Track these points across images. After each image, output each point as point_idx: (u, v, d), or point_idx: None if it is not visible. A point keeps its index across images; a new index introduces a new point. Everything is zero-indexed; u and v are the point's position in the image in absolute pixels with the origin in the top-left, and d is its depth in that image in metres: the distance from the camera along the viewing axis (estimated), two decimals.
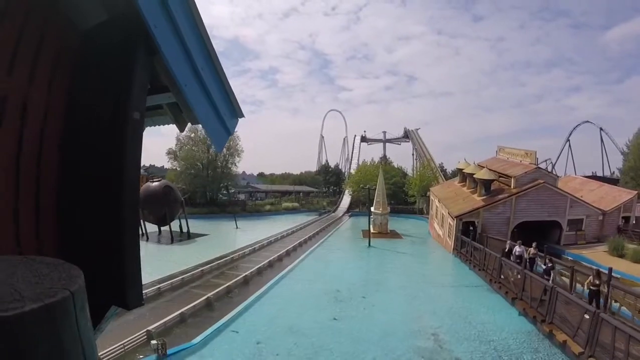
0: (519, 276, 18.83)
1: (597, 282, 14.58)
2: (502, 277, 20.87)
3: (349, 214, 69.63)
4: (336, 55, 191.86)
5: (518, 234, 31.46)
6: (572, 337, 13.34)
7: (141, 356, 12.98)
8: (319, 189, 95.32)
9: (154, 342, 12.92)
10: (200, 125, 3.39)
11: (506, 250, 22.52)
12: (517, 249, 21.39)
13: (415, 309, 18.58)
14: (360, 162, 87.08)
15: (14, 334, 0.93)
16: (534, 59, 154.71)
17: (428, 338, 15.08)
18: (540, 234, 31.89)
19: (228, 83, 3.28)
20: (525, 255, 20.63)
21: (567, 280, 18.17)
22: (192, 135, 64.47)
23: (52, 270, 1.14)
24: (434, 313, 17.95)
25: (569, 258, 27.31)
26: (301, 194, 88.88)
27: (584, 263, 25.10)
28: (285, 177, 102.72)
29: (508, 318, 17.21)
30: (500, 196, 32.34)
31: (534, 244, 21.03)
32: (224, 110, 3.27)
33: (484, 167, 36.19)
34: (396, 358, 13.52)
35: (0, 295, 0.97)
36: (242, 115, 3.50)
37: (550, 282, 16.37)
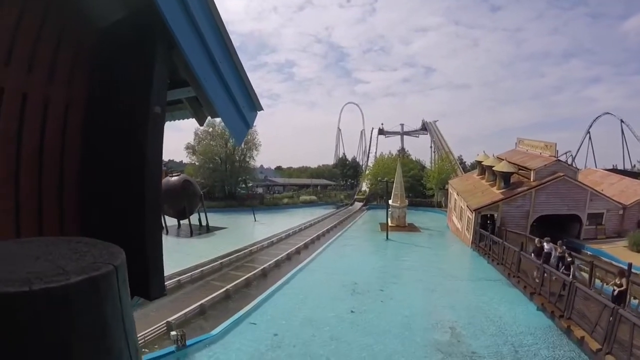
0: (536, 273, 18.56)
1: (619, 282, 14.27)
2: (520, 271, 20.67)
3: (367, 207, 69.49)
4: (352, 48, 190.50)
5: (537, 227, 31.10)
6: (590, 334, 13.18)
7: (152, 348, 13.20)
8: (337, 182, 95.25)
9: (173, 333, 13.12)
10: (218, 120, 3.45)
11: (537, 246, 20.91)
12: (546, 247, 20.18)
13: (432, 303, 18.54)
14: (378, 155, 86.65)
15: (59, 306, 0.96)
16: (552, 49, 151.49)
17: (445, 331, 15.05)
18: (559, 227, 31.49)
19: (246, 76, 3.31)
20: (554, 253, 19.59)
21: (586, 276, 17.93)
22: (210, 129, 64.81)
23: (90, 248, 1.19)
24: (451, 307, 17.90)
25: (589, 253, 26.86)
26: (319, 187, 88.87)
27: (603, 258, 24.70)
28: (303, 171, 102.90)
29: (526, 313, 17.07)
30: (520, 189, 31.90)
31: (559, 243, 19.73)
32: (243, 104, 3.30)
33: (503, 159, 35.78)
34: (414, 351, 13.54)
35: (42, 269, 1.00)
36: (260, 109, 3.54)
37: (570, 277, 16.12)
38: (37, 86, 2.79)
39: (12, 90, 2.63)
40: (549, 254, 19.57)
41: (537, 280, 18.36)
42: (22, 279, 0.95)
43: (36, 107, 2.80)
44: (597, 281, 16.99)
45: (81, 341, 1.01)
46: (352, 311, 17.26)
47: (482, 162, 39.83)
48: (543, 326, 15.51)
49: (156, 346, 13.24)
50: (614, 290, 14.22)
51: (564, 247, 19.36)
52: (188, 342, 13.04)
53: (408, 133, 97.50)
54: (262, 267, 23.73)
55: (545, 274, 17.55)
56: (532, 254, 20.48)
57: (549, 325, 15.58)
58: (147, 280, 2.75)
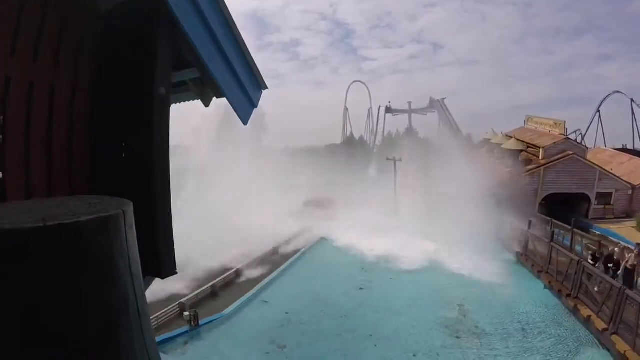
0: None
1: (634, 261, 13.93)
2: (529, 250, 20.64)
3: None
4: (359, 25, 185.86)
5: (546, 206, 30.92)
6: (596, 313, 13.09)
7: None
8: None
9: (186, 313, 13.32)
10: (224, 102, 3.47)
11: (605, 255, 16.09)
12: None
13: (439, 280, 18.64)
14: (386, 134, 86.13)
15: (70, 240, 1.06)
16: (563, 25, 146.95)
17: (453, 308, 15.18)
18: (567, 206, 31.22)
19: (250, 56, 3.32)
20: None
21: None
22: (217, 112, 64.51)
23: (102, 201, 1.27)
24: (458, 284, 17.99)
25: (597, 232, 26.55)
26: None
27: (611, 238, 24.50)
28: (310, 150, 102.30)
29: (533, 291, 17.08)
30: (528, 167, 31.75)
31: (636, 249, 14.69)
32: (247, 83, 3.32)
33: (512, 137, 35.48)
34: (421, 326, 13.70)
35: (56, 214, 1.09)
36: (265, 87, 3.55)
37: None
38: (43, 74, 2.82)
39: (19, 79, 2.68)
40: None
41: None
42: (37, 218, 1.05)
43: (43, 95, 2.84)
44: None
45: (90, 274, 1.12)
46: (361, 288, 17.42)
47: (490, 139, 39.48)
48: (550, 304, 15.53)
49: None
50: (626, 269, 13.94)
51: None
52: (201, 322, 13.25)
53: (416, 111, 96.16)
54: (272, 246, 23.99)
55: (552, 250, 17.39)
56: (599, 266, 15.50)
57: (555, 303, 15.57)
58: (159, 260, 2.82)
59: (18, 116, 2.71)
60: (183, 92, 3.80)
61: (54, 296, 1.06)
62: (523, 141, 34.31)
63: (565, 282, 15.71)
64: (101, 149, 3.16)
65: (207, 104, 3.76)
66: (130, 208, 1.25)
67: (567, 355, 12.31)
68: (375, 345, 12.80)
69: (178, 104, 4.08)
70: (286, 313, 14.76)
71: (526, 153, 33.53)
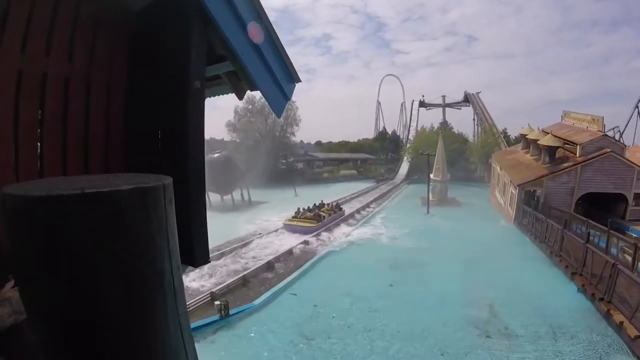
0: None
1: None
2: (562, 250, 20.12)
3: (407, 181, 68.80)
4: (390, 18, 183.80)
5: (582, 206, 30.09)
6: (629, 319, 12.58)
7: None
8: (377, 156, 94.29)
9: (217, 302, 13.56)
10: (258, 97, 3.53)
11: None
12: None
13: (472, 279, 18.37)
14: (419, 128, 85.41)
15: (108, 208, 1.06)
16: (600, 17, 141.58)
17: (483, 309, 14.93)
18: (604, 206, 30.32)
19: (283, 48, 3.34)
20: None
21: (629, 259, 17.19)
22: (250, 107, 65.19)
23: (142, 177, 1.25)
24: (490, 284, 17.65)
25: (633, 235, 25.48)
26: (358, 161, 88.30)
27: None
28: (343, 145, 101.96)
29: (566, 294, 16.61)
30: (565, 164, 30.80)
31: None
32: (280, 76, 3.35)
33: (548, 133, 34.59)
34: (450, 325, 13.58)
35: (94, 184, 1.09)
36: (298, 80, 3.57)
37: None
38: (78, 72, 2.93)
39: (55, 77, 2.78)
40: None
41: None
42: (75, 187, 1.04)
43: (79, 92, 2.95)
44: None
45: (127, 246, 1.11)
46: (391, 285, 17.36)
47: (526, 135, 38.58)
48: (582, 309, 15.04)
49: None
50: None
51: None
52: (231, 312, 13.47)
53: (450, 105, 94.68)
54: (303, 239, 24.46)
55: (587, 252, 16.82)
56: None
57: (588, 307, 15.06)
58: (192, 248, 2.90)
59: (55, 112, 2.83)
60: (217, 86, 3.87)
61: (89, 265, 1.06)
62: (560, 137, 33.35)
63: (599, 285, 15.20)
64: (137, 141, 3.25)
65: (240, 97, 3.81)
66: (170, 182, 1.24)
67: None
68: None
69: (212, 97, 4.16)
70: (315, 306, 14.86)
71: (563, 150, 32.66)
